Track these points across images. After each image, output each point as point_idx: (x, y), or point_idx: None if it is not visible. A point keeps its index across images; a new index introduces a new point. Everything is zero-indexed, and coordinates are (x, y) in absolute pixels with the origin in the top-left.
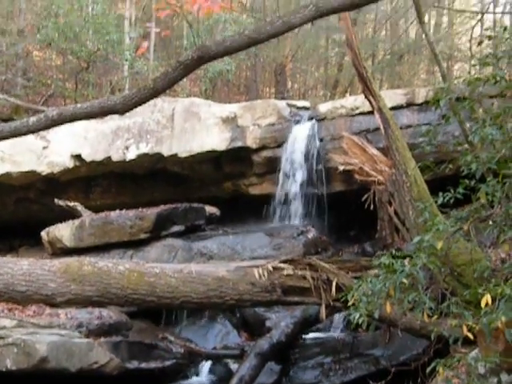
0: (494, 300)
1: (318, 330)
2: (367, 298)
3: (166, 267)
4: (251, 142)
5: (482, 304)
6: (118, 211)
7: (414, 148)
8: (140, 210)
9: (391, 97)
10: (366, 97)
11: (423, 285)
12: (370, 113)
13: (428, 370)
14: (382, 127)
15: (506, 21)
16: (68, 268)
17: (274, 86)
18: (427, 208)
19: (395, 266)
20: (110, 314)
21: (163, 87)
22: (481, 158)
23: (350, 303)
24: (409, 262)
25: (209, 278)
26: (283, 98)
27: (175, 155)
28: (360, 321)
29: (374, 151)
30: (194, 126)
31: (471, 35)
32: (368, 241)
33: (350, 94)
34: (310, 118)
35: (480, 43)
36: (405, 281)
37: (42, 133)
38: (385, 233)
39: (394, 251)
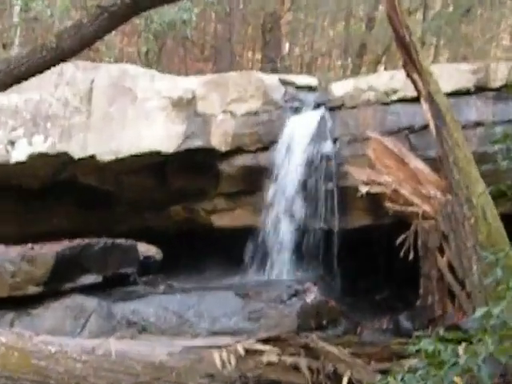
0: None
1: None
2: None
3: (68, 344)
4: (219, 140)
5: None
6: None
7: (486, 161)
8: (30, 246)
9: (452, 75)
10: (408, 74)
11: None
12: (416, 100)
13: None
14: (432, 125)
15: None
16: None
17: (260, 50)
18: (501, 260)
19: (443, 356)
20: None
21: (74, 47)
22: None
23: None
24: (466, 349)
25: (138, 365)
26: (274, 71)
27: (92, 158)
28: None
29: (420, 164)
30: (126, 110)
31: None
32: (405, 310)
33: (385, 68)
34: (318, 105)
35: None
36: (458, 380)
37: None
38: (431, 299)
39: (443, 330)
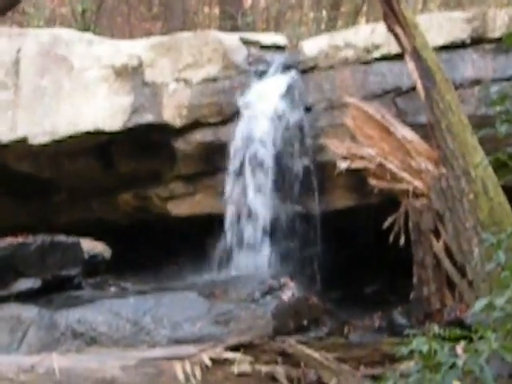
0: None
1: None
2: None
3: (2, 362)
4: (172, 113)
5: None
6: None
7: (484, 125)
8: None
9: (442, 25)
10: (389, 28)
11: None
12: (403, 57)
13: None
14: (420, 86)
15: None
16: None
17: (217, 5)
18: (503, 242)
19: (440, 356)
20: None
21: None
22: None
23: None
24: (465, 347)
25: (87, 383)
26: (235, 29)
27: (23, 140)
28: None
29: (407, 133)
30: (60, 83)
31: None
32: (399, 304)
33: (367, 20)
34: (287, 68)
35: None
36: None
37: None
38: (427, 290)
39: (440, 326)
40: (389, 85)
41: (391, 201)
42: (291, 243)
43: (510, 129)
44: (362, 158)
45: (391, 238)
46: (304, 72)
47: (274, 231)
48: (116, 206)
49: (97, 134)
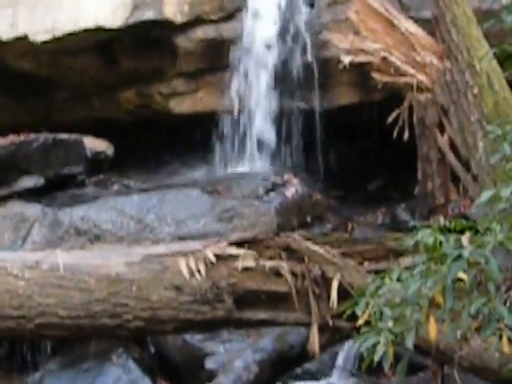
0: None
1: (306, 375)
2: (393, 310)
3: (7, 258)
4: (173, 10)
5: None
6: None
7: (488, 19)
8: None
9: None
10: None
11: (498, 283)
12: None
13: None
14: None
15: None
16: None
17: None
18: (509, 134)
19: (445, 248)
20: None
21: None
22: None
23: (361, 321)
24: (471, 239)
25: (91, 279)
26: None
27: (24, 38)
28: (380, 354)
29: (412, 27)
30: None
31: None
32: (402, 201)
33: None
34: None
35: None
36: (463, 276)
37: None
38: (432, 185)
39: (444, 220)
40: None
41: (394, 97)
42: (294, 140)
43: None
44: (365, 52)
45: (395, 133)
46: None
47: (277, 127)
48: (118, 104)
49: (98, 30)
